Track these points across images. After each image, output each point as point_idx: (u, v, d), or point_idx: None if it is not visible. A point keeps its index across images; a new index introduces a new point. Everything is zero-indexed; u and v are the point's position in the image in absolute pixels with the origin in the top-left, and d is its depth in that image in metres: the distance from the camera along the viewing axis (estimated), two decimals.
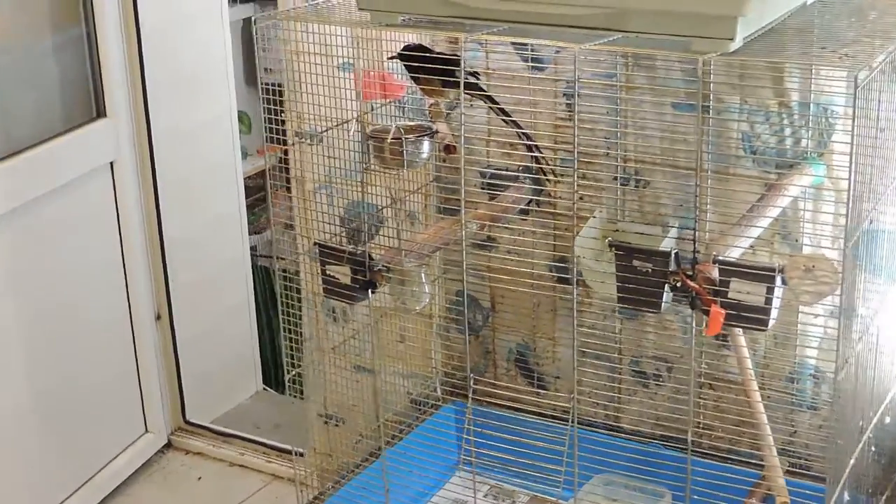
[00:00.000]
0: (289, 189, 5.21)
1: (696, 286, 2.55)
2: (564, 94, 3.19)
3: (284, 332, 3.15)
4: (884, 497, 3.01)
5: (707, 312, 2.55)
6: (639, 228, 3.12)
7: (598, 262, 3.02)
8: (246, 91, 4.86)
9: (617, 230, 2.88)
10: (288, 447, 4.14)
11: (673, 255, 2.58)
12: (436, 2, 2.66)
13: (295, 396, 3.30)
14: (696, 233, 2.56)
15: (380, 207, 3.09)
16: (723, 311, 2.53)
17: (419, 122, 2.97)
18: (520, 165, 3.19)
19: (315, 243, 2.94)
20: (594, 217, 3.08)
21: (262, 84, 2.98)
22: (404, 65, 2.91)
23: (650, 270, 2.60)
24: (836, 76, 2.82)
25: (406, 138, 2.83)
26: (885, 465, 2.98)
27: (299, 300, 3.30)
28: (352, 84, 3.14)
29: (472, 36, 2.63)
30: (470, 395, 2.93)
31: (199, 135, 4.25)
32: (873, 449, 2.84)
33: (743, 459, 3.12)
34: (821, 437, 3.11)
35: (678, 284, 2.58)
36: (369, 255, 2.87)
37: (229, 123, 4.36)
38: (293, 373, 3.18)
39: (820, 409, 3.14)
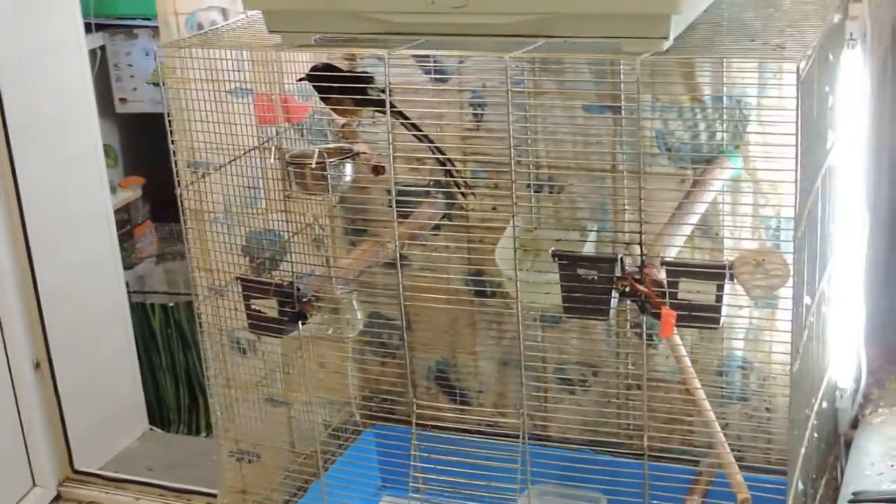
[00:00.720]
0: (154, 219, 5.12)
1: (646, 290, 2.52)
2: (471, 105, 3.13)
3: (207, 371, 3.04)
4: (823, 480, 3.03)
5: (657, 316, 2.53)
6: (556, 234, 3.09)
7: (518, 270, 2.98)
8: (100, 123, 4.69)
9: (561, 240, 2.84)
10: (187, 487, 4.03)
11: (619, 261, 2.55)
12: (353, 19, 2.57)
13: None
14: (642, 236, 2.53)
15: (293, 233, 2.98)
16: (674, 313, 2.50)
17: (339, 145, 2.88)
18: (429, 180, 3.12)
19: (237, 278, 2.82)
20: (510, 226, 3.04)
21: (168, 115, 2.84)
22: (314, 86, 2.82)
23: (596, 277, 2.57)
24: (749, 67, 2.83)
25: (329, 162, 2.74)
26: (824, 449, 3.00)
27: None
28: (247, 109, 3.05)
29: (396, 50, 2.55)
30: (413, 420, 2.85)
31: (66, 173, 4.08)
32: (815, 435, 2.85)
33: (675, 457, 3.12)
34: (751, 427, 3.13)
35: (627, 289, 2.55)
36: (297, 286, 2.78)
37: (96, 158, 4.20)
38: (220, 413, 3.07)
39: (749, 400, 3.15)
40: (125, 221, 4.87)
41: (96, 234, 4.25)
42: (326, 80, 2.78)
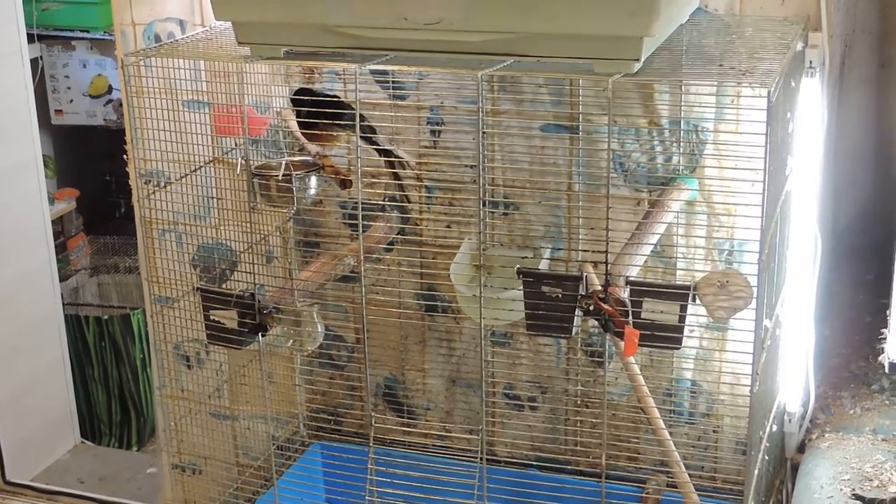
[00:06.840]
0: (87, 232, 5.07)
1: (610, 308, 2.54)
2: (429, 123, 3.14)
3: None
4: (771, 501, 3.06)
5: (620, 335, 2.54)
6: (509, 252, 3.10)
7: (470, 287, 2.99)
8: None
9: (527, 259, 2.85)
10: (119, 500, 4.01)
11: (584, 279, 2.56)
12: (324, 33, 2.57)
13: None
14: (608, 255, 2.54)
15: (249, 244, 2.96)
16: (637, 332, 2.52)
17: (304, 158, 2.87)
18: (384, 196, 3.12)
19: (197, 288, 2.80)
20: (465, 242, 3.05)
21: (132, 124, 2.82)
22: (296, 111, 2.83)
23: (560, 295, 2.58)
24: (707, 92, 2.87)
25: (296, 174, 2.73)
26: (772, 471, 3.04)
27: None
28: (204, 120, 3.03)
29: (366, 65, 2.56)
30: (371, 435, 2.85)
31: (5, 183, 4.04)
32: (766, 458, 2.88)
33: (622, 475, 3.14)
34: (699, 448, 3.16)
35: (591, 308, 2.56)
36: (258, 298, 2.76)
37: (35, 169, 4.16)
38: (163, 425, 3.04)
39: (697, 423, 3.17)
40: (59, 233, 4.82)
41: (34, 245, 4.22)
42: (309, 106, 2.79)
